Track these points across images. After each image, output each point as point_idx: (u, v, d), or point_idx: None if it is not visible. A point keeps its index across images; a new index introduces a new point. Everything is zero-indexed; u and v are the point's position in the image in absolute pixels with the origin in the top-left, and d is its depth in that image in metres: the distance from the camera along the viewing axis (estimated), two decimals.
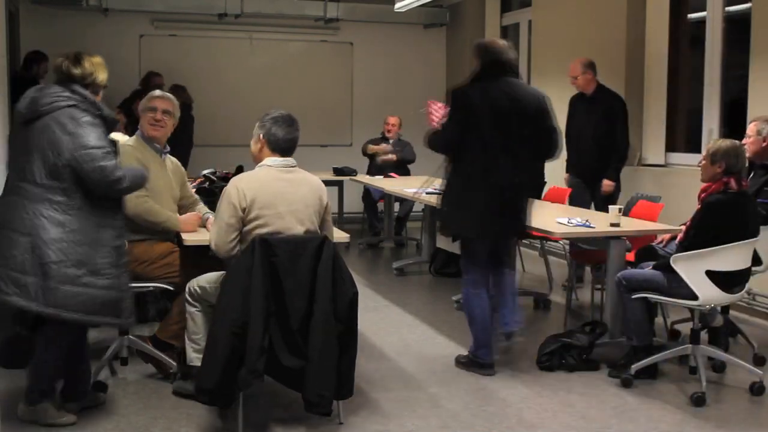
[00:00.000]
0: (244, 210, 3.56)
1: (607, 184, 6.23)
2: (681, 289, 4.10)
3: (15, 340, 3.69)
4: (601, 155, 6.26)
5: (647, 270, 4.34)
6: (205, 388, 3.48)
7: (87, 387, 3.82)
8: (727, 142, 4.19)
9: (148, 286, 4.19)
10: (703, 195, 4.22)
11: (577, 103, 6.50)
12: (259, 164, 3.73)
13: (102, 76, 3.66)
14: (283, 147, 3.71)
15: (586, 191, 6.38)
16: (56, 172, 3.39)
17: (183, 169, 4.57)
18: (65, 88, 3.53)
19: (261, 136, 3.72)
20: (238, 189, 3.59)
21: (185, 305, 3.89)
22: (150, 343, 4.22)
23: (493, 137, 4.24)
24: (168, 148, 4.41)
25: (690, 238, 4.19)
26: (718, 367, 4.50)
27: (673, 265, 4.06)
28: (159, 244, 4.22)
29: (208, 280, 3.84)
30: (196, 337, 3.84)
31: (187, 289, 3.89)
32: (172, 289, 4.16)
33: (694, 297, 4.07)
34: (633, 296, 4.26)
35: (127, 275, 3.60)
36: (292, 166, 3.74)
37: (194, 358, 3.82)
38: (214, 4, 9.19)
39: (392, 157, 8.69)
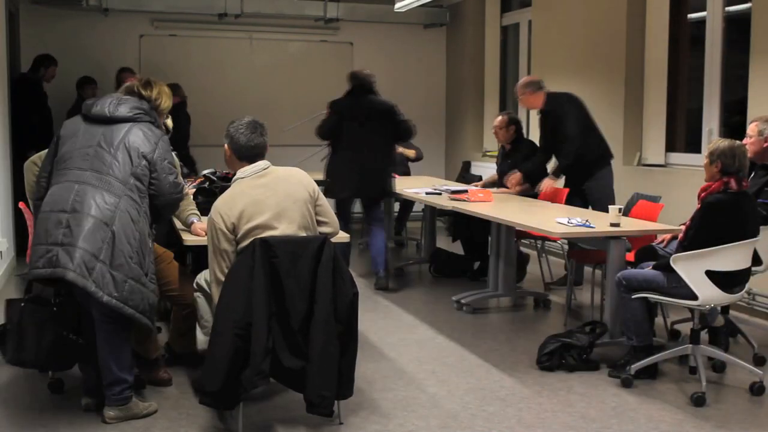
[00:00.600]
0: (233, 231, 3.52)
1: (545, 183, 6.22)
2: (681, 289, 4.10)
3: (61, 343, 3.68)
4: (575, 160, 6.18)
5: (647, 270, 4.34)
6: (209, 391, 3.47)
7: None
8: (725, 142, 4.19)
9: None
10: (703, 194, 4.22)
11: (541, 119, 6.48)
12: (233, 179, 3.68)
13: (166, 104, 3.91)
14: (247, 154, 3.64)
15: (575, 198, 6.32)
16: (138, 173, 3.59)
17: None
18: (142, 104, 3.77)
19: (226, 145, 3.69)
20: (221, 214, 3.53)
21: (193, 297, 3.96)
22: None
23: (355, 133, 6.37)
24: None
25: (689, 237, 4.19)
26: (718, 367, 4.50)
27: (672, 265, 4.07)
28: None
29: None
30: (203, 321, 3.86)
31: (195, 282, 3.93)
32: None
33: (694, 297, 4.07)
34: (633, 296, 4.27)
35: None
36: (265, 169, 3.66)
37: (203, 340, 3.82)
38: (214, 4, 9.19)
39: (411, 152, 8.66)
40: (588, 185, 6.22)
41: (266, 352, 3.40)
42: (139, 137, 3.63)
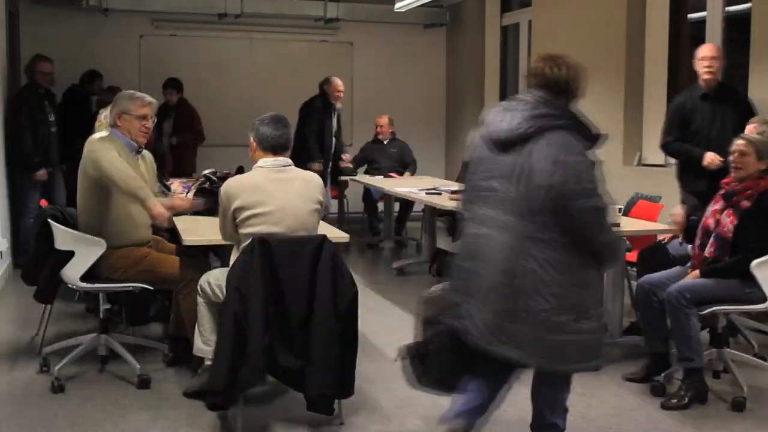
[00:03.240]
0: (233, 212, 3.60)
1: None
2: (754, 294, 3.97)
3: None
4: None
5: (703, 279, 4.05)
6: (215, 390, 3.47)
7: None
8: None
9: (127, 286, 4.23)
10: (749, 192, 4.01)
11: (697, 103, 5.40)
12: (255, 166, 3.76)
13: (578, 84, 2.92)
14: (273, 144, 3.72)
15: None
16: (534, 204, 2.84)
17: (154, 163, 4.64)
18: (552, 102, 2.88)
19: (252, 138, 3.76)
20: (227, 194, 3.64)
21: (194, 300, 3.94)
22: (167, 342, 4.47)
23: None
24: (142, 147, 4.40)
25: (752, 241, 3.94)
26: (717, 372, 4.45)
27: (753, 272, 3.91)
28: (136, 250, 4.25)
29: (216, 277, 3.85)
30: (202, 329, 3.86)
31: (198, 285, 3.92)
32: (151, 288, 4.24)
33: (764, 300, 3.96)
34: (704, 311, 3.98)
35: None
36: (286, 165, 3.74)
37: (200, 349, 3.83)
38: (214, 4, 9.20)
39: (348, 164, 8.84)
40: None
41: (263, 351, 3.41)
42: (531, 157, 2.83)
